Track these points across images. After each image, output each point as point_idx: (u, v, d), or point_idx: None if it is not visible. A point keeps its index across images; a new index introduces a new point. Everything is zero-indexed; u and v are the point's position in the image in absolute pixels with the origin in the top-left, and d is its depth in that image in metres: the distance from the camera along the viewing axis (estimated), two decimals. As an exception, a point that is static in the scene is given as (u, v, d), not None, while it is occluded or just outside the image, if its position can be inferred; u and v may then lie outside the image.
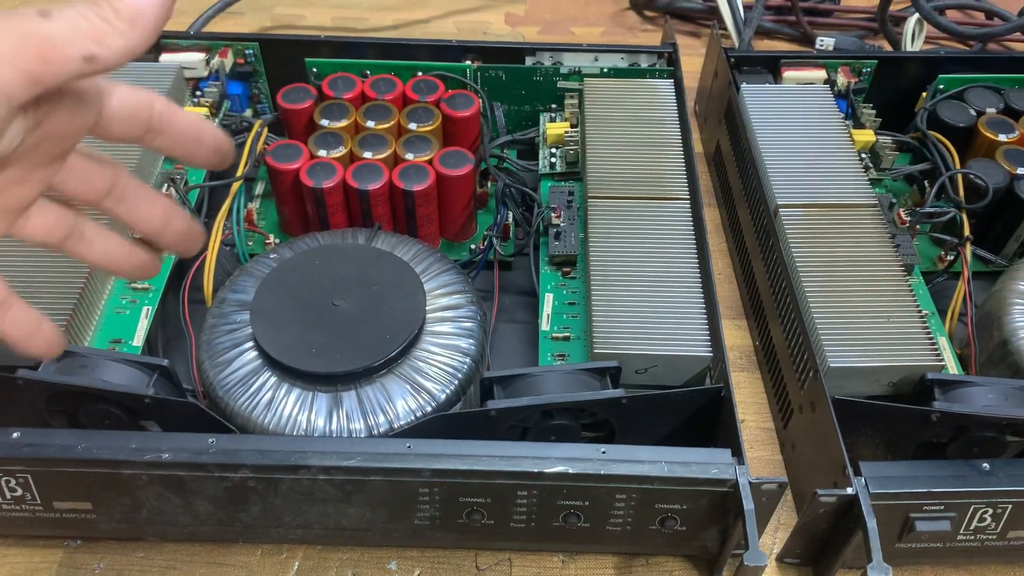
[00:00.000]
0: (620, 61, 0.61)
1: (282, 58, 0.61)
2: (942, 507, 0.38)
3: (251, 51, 0.61)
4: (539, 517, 0.39)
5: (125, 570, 0.42)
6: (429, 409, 0.41)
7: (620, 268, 0.47)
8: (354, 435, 0.40)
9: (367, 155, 0.51)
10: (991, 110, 0.58)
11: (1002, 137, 0.56)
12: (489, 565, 0.42)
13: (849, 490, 0.37)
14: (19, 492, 0.39)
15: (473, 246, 0.55)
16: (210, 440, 0.37)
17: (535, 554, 0.43)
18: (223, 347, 0.43)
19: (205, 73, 0.60)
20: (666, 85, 0.58)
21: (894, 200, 0.56)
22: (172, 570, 0.42)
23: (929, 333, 0.44)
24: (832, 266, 0.47)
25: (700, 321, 0.44)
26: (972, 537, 0.40)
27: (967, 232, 0.52)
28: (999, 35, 0.71)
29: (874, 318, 0.45)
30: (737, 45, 0.70)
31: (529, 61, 0.61)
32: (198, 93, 0.60)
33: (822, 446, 0.41)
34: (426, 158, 0.51)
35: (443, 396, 0.41)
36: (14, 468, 0.37)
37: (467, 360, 0.43)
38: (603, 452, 0.37)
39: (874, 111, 0.60)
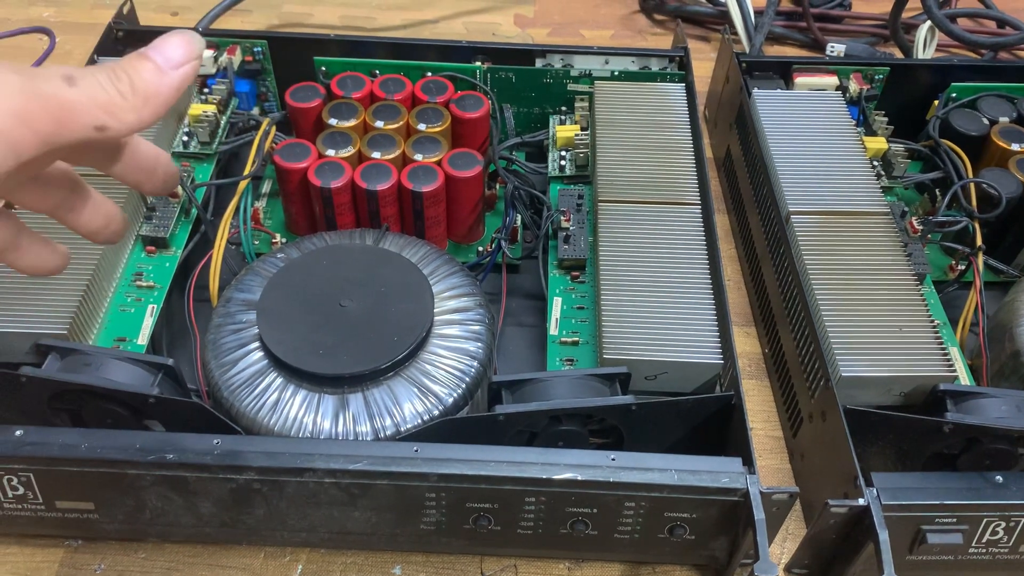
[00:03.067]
0: (631, 64, 0.61)
1: (291, 56, 0.60)
2: (955, 519, 0.37)
3: (260, 49, 0.61)
4: (546, 524, 0.39)
5: (126, 571, 0.41)
6: (436, 413, 0.40)
7: (630, 273, 0.46)
8: (360, 438, 0.39)
9: (376, 155, 0.51)
10: (1004, 119, 0.58)
11: (1015, 146, 0.55)
12: (495, 571, 0.42)
13: (861, 501, 0.36)
14: (21, 491, 0.38)
15: (481, 248, 0.55)
16: (215, 441, 0.37)
17: (541, 561, 0.42)
18: (229, 347, 0.42)
19: (213, 70, 0.60)
20: (677, 89, 0.58)
21: (906, 208, 0.56)
22: (174, 571, 0.41)
23: (942, 343, 0.43)
24: (844, 274, 0.47)
25: (711, 328, 0.44)
26: (984, 550, 0.39)
27: (979, 242, 0.52)
28: (1012, 44, 0.70)
29: (886, 327, 0.44)
30: (748, 50, 0.70)
31: (539, 63, 0.60)
32: (205, 90, 0.59)
33: (832, 456, 0.40)
34: (435, 159, 0.51)
35: (450, 400, 0.41)
36: (16, 467, 0.37)
37: (475, 364, 0.42)
38: (612, 459, 0.37)
39: (886, 118, 0.60)
